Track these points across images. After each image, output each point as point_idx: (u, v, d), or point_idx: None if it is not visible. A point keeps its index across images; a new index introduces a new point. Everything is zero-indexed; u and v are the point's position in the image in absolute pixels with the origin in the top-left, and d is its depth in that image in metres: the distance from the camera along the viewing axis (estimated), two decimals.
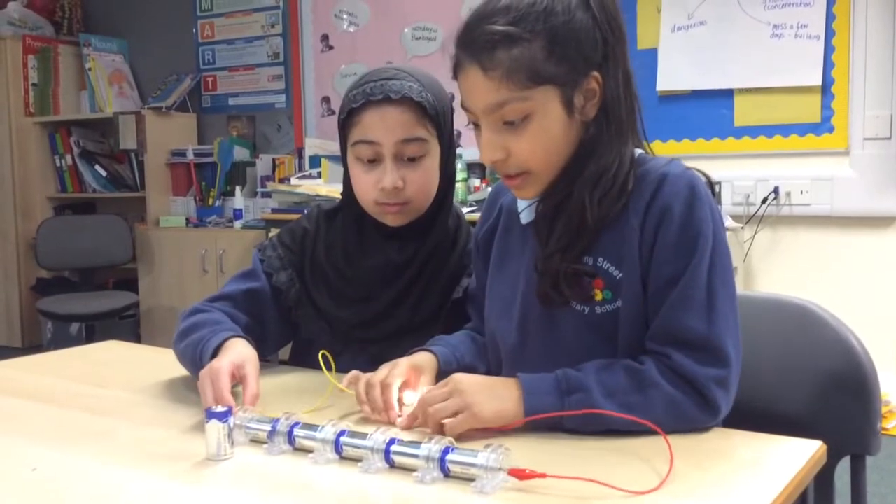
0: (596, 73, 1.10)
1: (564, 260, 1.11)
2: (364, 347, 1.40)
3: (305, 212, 1.54)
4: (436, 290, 1.40)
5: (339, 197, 1.50)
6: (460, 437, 1.00)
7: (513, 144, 1.11)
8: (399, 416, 1.10)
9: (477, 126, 1.14)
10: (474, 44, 1.09)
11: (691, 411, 1.04)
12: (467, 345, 1.30)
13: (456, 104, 1.23)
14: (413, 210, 1.39)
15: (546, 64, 1.07)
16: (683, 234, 1.07)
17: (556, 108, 1.09)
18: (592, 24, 1.09)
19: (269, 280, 1.45)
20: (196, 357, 1.24)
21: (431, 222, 1.43)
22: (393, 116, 1.33)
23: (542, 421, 1.03)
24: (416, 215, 1.40)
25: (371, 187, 1.36)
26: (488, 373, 1.28)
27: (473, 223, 1.46)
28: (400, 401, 1.12)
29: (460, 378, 1.06)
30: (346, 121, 1.37)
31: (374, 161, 1.35)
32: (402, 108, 1.33)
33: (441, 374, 1.18)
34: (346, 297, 1.27)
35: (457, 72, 1.13)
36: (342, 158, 1.45)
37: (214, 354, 1.21)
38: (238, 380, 1.16)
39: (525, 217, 1.21)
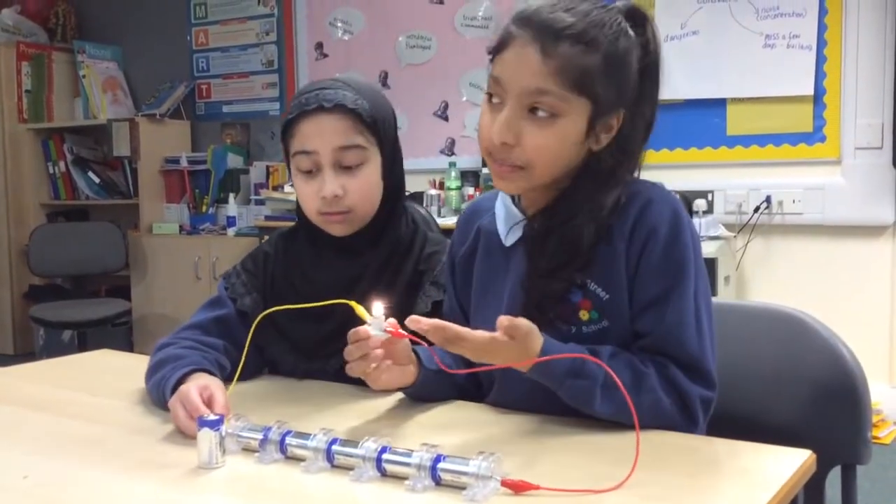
0: (621, 112, 1.14)
1: (552, 282, 1.13)
2: (327, 363, 1.38)
3: (268, 238, 1.54)
4: (394, 300, 1.36)
5: None
6: (452, 445, 1.00)
7: (527, 135, 1.11)
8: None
9: (491, 100, 1.14)
10: (544, 25, 1.09)
11: (675, 419, 1.10)
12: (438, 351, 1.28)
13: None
14: (357, 219, 1.38)
15: (597, 79, 1.09)
16: (668, 257, 1.11)
17: (581, 123, 1.11)
18: (638, 66, 1.13)
19: (235, 305, 1.44)
20: (160, 395, 1.24)
21: (380, 233, 1.42)
22: (328, 124, 1.34)
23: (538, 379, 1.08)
24: (360, 224, 1.39)
25: (313, 197, 1.36)
26: (480, 390, 1.28)
27: (451, 231, 1.45)
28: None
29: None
30: (285, 134, 1.38)
31: (312, 172, 1.36)
32: (336, 116, 1.34)
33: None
34: (303, 314, 1.26)
35: (505, 44, 1.12)
36: (289, 174, 1.45)
37: (176, 388, 1.20)
38: (205, 400, 1.14)
39: (508, 239, 1.23)
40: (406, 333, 1.11)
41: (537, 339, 1.05)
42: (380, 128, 1.38)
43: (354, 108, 1.34)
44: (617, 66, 1.10)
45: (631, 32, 1.12)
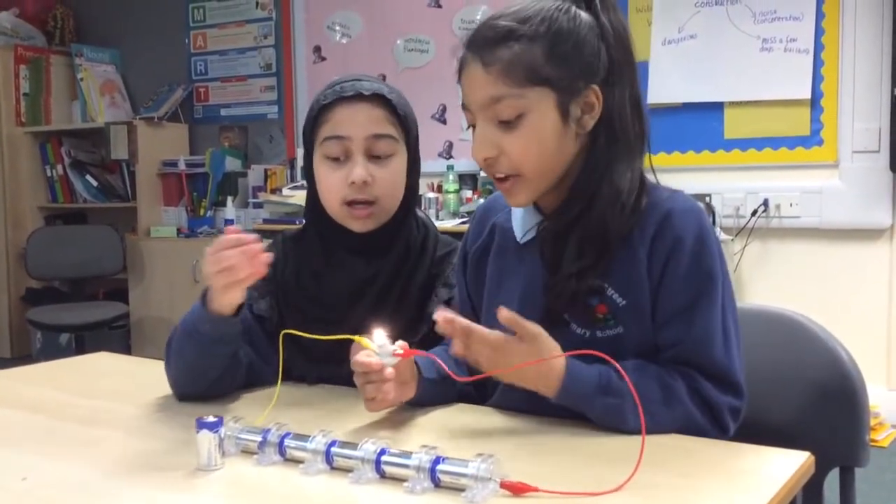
0: (596, 87, 1.13)
1: (581, 282, 1.12)
2: (339, 370, 1.33)
3: (272, 241, 1.53)
4: (407, 303, 1.37)
5: None
6: (453, 445, 1.00)
7: (505, 143, 1.12)
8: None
9: (474, 128, 1.16)
10: (479, 39, 1.13)
11: (706, 430, 1.09)
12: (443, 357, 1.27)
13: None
14: (381, 213, 1.37)
15: (544, 66, 1.10)
16: (695, 268, 1.11)
17: (551, 111, 1.11)
18: (598, 41, 1.13)
19: (251, 310, 1.41)
20: (192, 323, 1.25)
21: (395, 234, 1.40)
22: (364, 112, 1.34)
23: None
24: (383, 219, 1.38)
25: (339, 185, 1.35)
26: (482, 392, 1.27)
27: (460, 235, 1.45)
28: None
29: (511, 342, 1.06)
30: (317, 120, 1.37)
31: (340, 160, 1.35)
32: (373, 105, 1.35)
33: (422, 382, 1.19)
34: (315, 320, 1.24)
35: (460, 71, 1.16)
36: (306, 169, 1.43)
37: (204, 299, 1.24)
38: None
39: (522, 236, 1.22)
40: (413, 351, 1.11)
41: (553, 344, 1.06)
42: (409, 124, 1.39)
43: (391, 98, 1.35)
44: (565, 44, 1.10)
45: (575, 9, 1.12)
